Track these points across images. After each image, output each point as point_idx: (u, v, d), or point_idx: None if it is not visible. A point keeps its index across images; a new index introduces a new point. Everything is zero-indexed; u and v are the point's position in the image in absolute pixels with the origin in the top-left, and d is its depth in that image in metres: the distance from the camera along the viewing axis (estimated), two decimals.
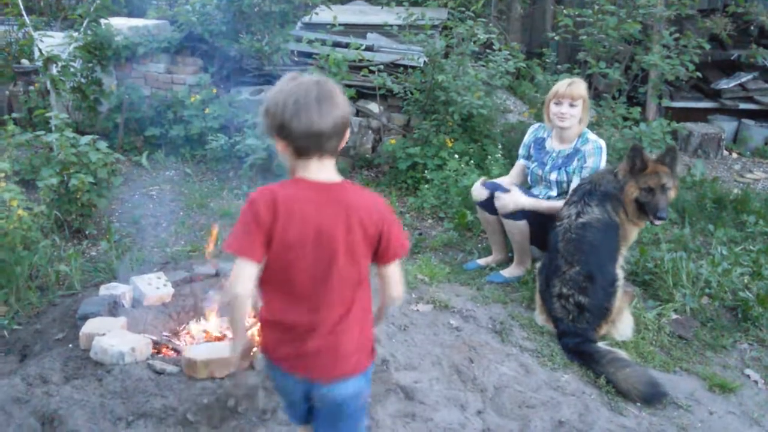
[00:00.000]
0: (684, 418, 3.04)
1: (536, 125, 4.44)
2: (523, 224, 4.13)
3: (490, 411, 2.93)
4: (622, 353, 3.40)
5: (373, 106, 6.52)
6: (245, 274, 1.84)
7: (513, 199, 4.09)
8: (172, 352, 3.18)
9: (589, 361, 3.37)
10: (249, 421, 2.68)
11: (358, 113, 6.59)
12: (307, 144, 1.85)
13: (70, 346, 3.05)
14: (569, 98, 4.01)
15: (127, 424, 2.60)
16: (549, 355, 3.43)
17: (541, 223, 4.07)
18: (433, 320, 3.58)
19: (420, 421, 2.79)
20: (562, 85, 4.05)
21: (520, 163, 4.44)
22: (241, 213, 1.86)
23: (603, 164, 4.03)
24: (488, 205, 4.24)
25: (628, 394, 3.14)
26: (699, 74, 5.95)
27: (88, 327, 3.06)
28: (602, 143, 4.07)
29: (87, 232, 4.61)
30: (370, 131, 6.34)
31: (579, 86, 4.03)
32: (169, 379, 2.83)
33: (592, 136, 4.11)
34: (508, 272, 4.30)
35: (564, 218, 3.80)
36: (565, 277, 3.65)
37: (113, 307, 3.35)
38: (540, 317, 3.76)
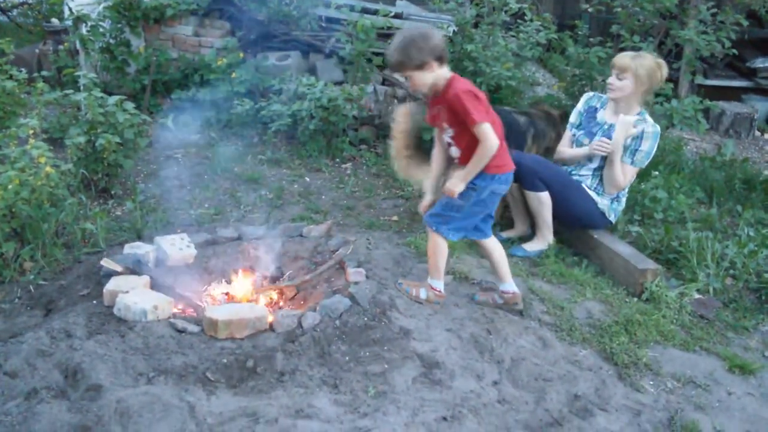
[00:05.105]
0: (702, 397, 3.03)
1: (591, 94, 4.41)
2: (544, 195, 4.10)
3: (506, 382, 2.94)
4: None
5: (400, 75, 6.45)
6: (492, 131, 3.04)
7: None
8: (194, 311, 3.23)
9: None
10: (267, 382, 2.72)
11: (384, 82, 6.53)
12: (446, 54, 3.12)
13: (94, 302, 3.11)
14: (615, 69, 4.03)
15: (148, 380, 2.65)
16: (568, 330, 3.42)
17: (563, 196, 4.05)
18: (453, 291, 3.58)
19: (437, 387, 2.80)
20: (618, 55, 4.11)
21: (569, 133, 4.37)
22: (468, 100, 3.00)
23: (654, 151, 4.06)
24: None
25: None
26: (734, 51, 5.80)
27: (112, 284, 3.11)
28: (658, 129, 4.05)
29: (113, 192, 4.66)
30: (395, 100, 6.28)
31: (627, 58, 4.01)
32: (190, 338, 2.88)
33: (650, 119, 4.07)
34: (529, 246, 4.26)
35: None
36: None
37: (137, 266, 3.40)
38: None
